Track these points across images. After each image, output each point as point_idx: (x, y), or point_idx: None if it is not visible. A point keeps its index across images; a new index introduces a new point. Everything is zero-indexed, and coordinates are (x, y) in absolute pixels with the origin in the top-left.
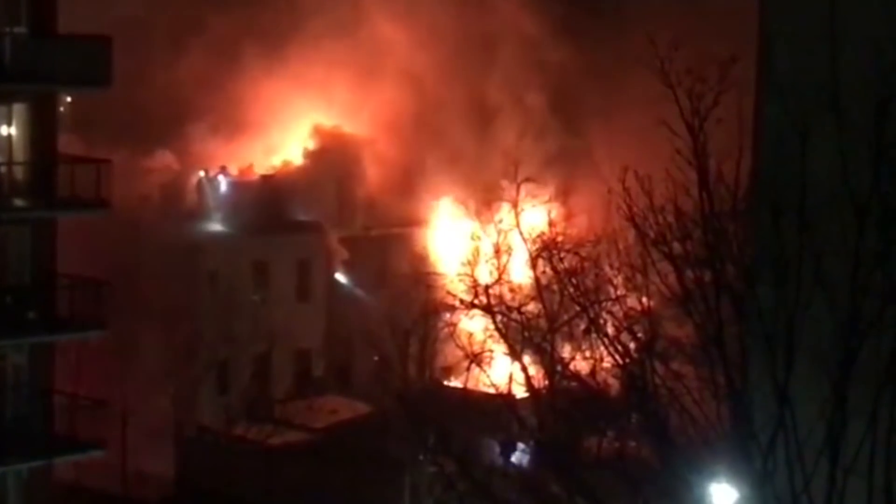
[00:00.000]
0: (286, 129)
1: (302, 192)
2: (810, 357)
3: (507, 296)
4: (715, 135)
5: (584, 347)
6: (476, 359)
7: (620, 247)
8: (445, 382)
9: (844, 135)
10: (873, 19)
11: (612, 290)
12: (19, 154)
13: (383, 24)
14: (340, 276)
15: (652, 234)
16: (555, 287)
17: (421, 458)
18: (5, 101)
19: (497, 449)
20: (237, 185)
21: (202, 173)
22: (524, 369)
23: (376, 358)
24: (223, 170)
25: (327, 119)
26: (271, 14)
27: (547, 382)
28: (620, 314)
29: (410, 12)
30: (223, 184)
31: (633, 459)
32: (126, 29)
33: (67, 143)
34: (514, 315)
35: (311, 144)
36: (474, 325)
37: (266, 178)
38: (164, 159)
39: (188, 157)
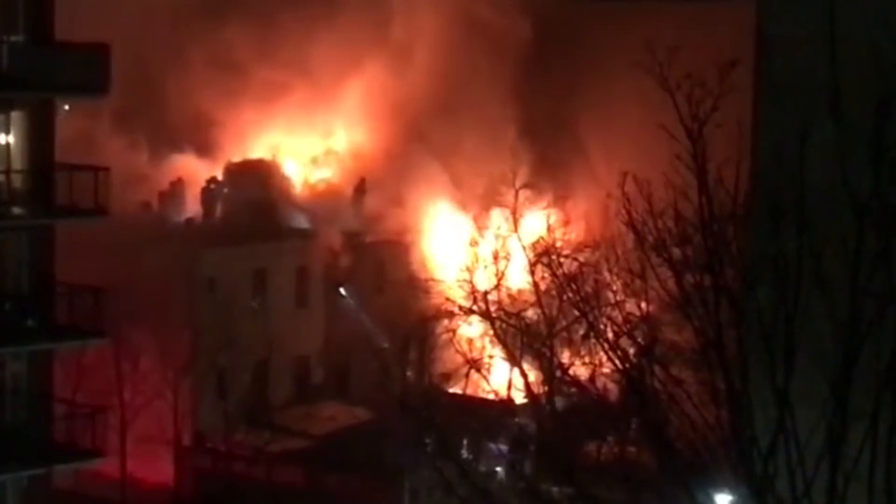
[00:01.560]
0: (294, 135)
1: (302, 199)
2: (810, 360)
3: (506, 301)
4: (715, 138)
5: (583, 353)
6: (475, 365)
7: (619, 252)
8: (445, 388)
9: (843, 136)
10: (870, 21)
11: (611, 295)
12: (17, 162)
13: (392, 36)
14: (339, 283)
15: (651, 239)
16: (554, 292)
17: (421, 463)
18: (3, 109)
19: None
20: (236, 193)
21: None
22: (523, 375)
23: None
24: (213, 180)
25: (333, 125)
26: (282, 26)
27: (546, 388)
28: (620, 319)
29: (412, 20)
30: (222, 191)
31: (633, 464)
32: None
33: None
34: (513, 321)
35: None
36: (473, 331)
37: (266, 186)
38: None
39: (196, 163)
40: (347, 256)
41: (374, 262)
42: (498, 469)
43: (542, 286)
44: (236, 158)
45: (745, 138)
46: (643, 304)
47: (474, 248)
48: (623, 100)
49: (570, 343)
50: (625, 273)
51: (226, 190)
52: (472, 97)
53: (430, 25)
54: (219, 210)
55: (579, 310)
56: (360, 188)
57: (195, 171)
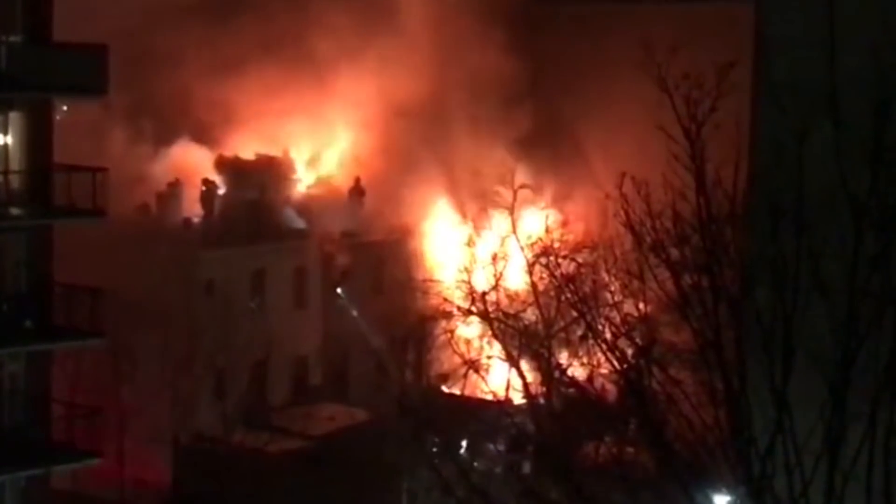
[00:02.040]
0: (292, 135)
1: (300, 199)
2: (808, 360)
3: (504, 302)
4: (713, 139)
5: (581, 353)
6: (473, 365)
7: (617, 252)
8: (443, 389)
9: (842, 137)
10: (869, 23)
11: (609, 295)
12: (15, 162)
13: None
14: (337, 283)
15: (649, 240)
16: (552, 293)
17: (419, 463)
18: (2, 110)
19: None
20: (234, 194)
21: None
22: (522, 375)
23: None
24: (207, 182)
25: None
26: (282, 24)
27: (544, 389)
28: (618, 320)
29: (411, 19)
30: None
31: (631, 465)
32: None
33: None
34: (511, 321)
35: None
36: (471, 332)
37: (264, 186)
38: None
39: (196, 160)
40: (345, 256)
41: (372, 262)
42: (496, 469)
43: (541, 287)
44: (234, 158)
45: (743, 139)
46: (641, 305)
47: (471, 248)
48: (622, 100)
49: (568, 344)
50: (623, 274)
51: (221, 191)
52: (470, 97)
53: (429, 25)
54: (217, 210)
55: (577, 310)
56: (358, 188)
57: (195, 171)
